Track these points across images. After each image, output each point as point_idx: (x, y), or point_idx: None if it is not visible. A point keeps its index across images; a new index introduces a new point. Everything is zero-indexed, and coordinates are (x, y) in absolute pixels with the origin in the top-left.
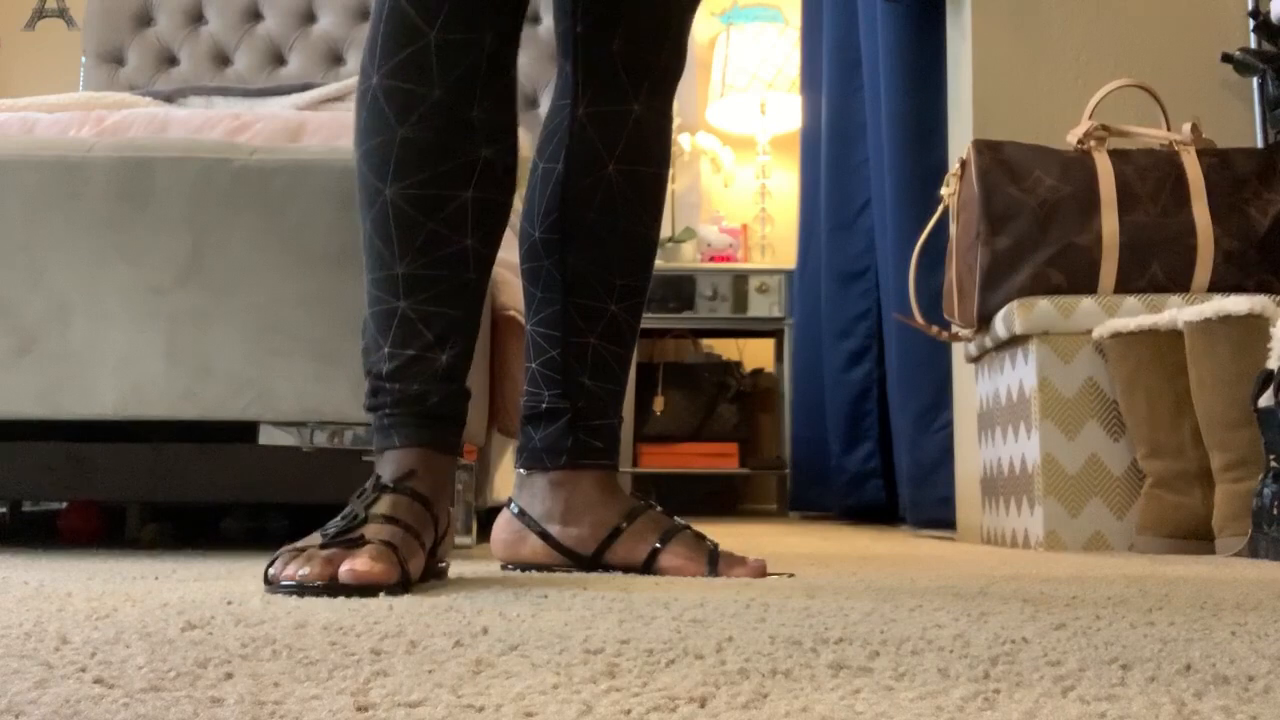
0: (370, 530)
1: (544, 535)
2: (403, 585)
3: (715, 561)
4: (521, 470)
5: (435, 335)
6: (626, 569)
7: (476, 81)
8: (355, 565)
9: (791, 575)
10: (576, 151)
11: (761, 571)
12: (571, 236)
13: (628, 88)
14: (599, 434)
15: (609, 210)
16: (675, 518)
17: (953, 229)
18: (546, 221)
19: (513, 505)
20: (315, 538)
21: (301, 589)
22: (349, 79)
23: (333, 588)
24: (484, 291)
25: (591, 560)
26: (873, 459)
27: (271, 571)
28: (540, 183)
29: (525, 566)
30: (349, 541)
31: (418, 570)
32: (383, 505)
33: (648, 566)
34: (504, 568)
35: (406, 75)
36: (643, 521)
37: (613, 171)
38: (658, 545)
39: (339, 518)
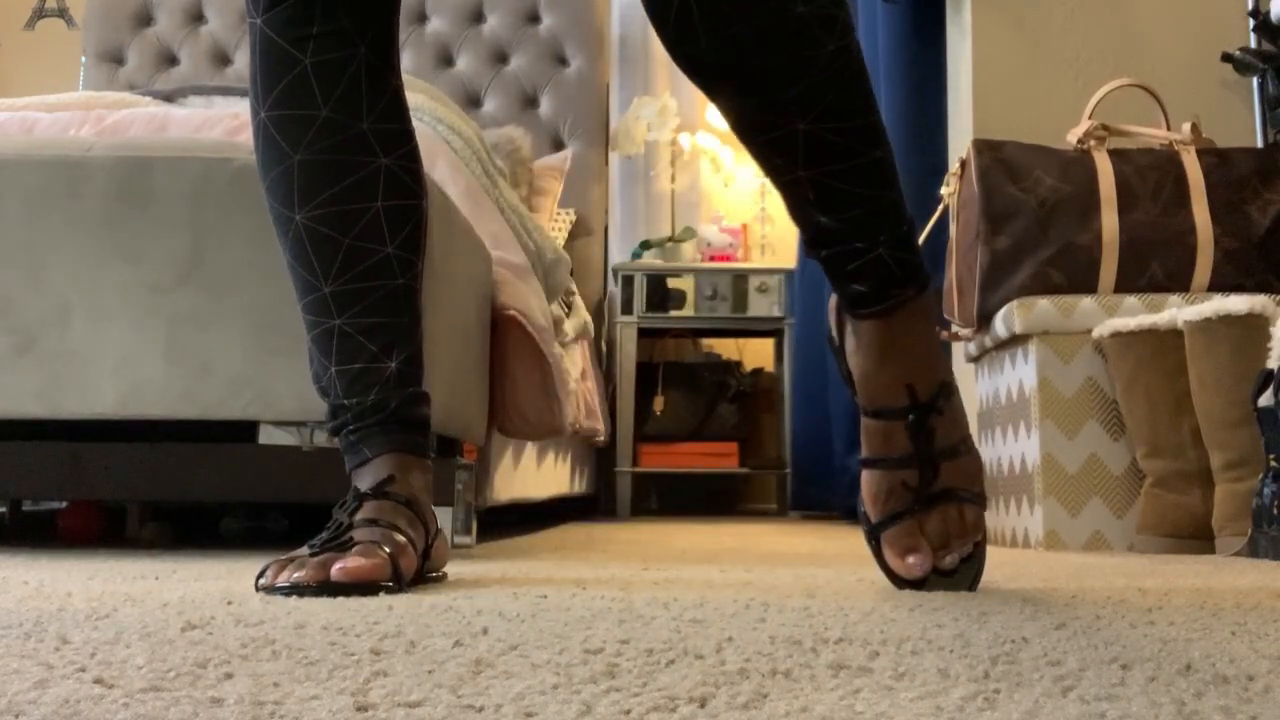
0: (358, 534)
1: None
2: (396, 581)
3: (889, 525)
4: None
5: (379, 346)
6: None
7: (360, 95)
8: (347, 564)
9: (970, 588)
10: None
11: (913, 576)
12: (703, 76)
13: None
14: (860, 276)
15: (715, 23)
16: (936, 430)
17: (953, 229)
18: (683, 67)
19: (838, 314)
20: (303, 549)
21: (296, 590)
22: None
23: (327, 588)
24: (418, 295)
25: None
26: None
27: (263, 581)
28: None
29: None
30: (338, 545)
31: (410, 568)
32: (367, 510)
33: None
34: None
35: (291, 102)
36: (884, 425)
37: None
38: (867, 460)
39: (324, 530)
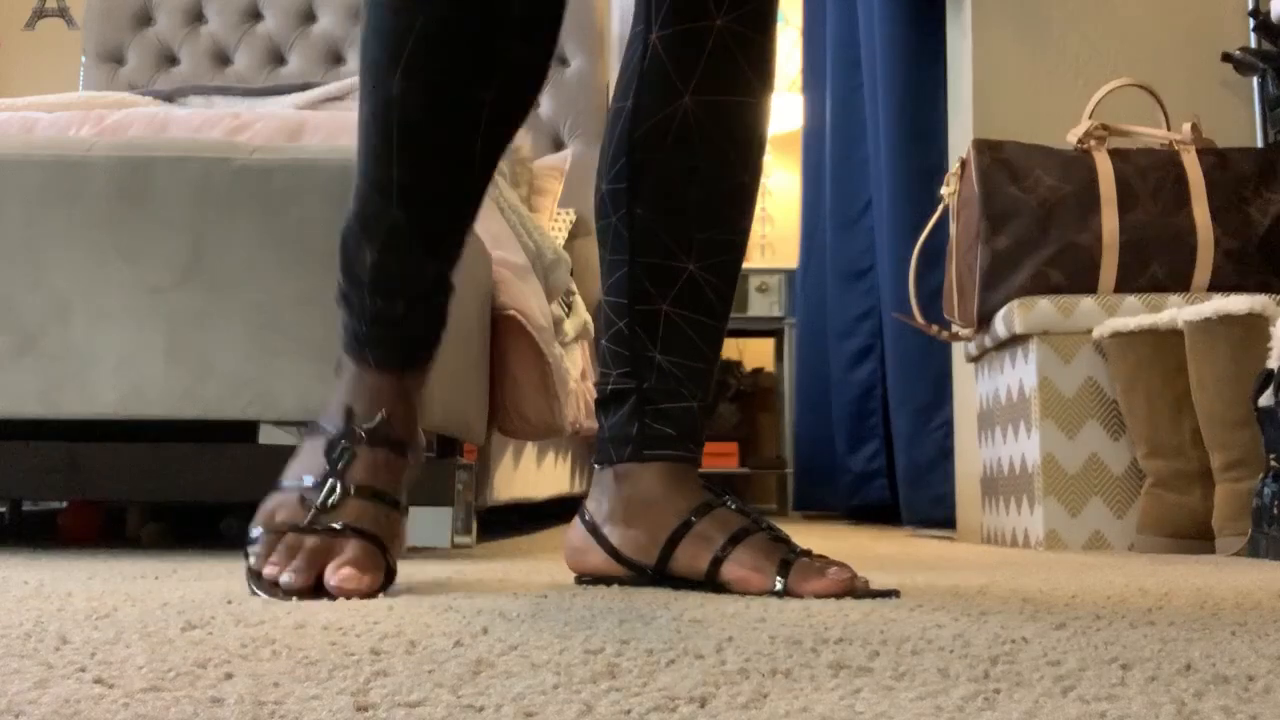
0: (352, 512)
1: (604, 542)
2: (388, 577)
3: (787, 572)
4: (595, 465)
5: (427, 248)
6: (691, 581)
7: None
8: (342, 577)
9: (895, 594)
10: (647, 81)
11: (845, 588)
12: (639, 183)
13: (709, 0)
14: (670, 419)
15: (684, 149)
16: (753, 514)
17: (953, 228)
18: (614, 169)
19: (583, 508)
20: (295, 508)
21: (288, 593)
22: (349, 78)
23: (317, 591)
24: (482, 196)
25: (656, 571)
26: (878, 458)
27: (252, 562)
28: (610, 126)
29: (595, 579)
30: (331, 530)
31: (400, 547)
32: (361, 470)
33: (710, 578)
34: (577, 580)
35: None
36: (709, 521)
37: (689, 103)
38: (720, 552)
39: (315, 483)
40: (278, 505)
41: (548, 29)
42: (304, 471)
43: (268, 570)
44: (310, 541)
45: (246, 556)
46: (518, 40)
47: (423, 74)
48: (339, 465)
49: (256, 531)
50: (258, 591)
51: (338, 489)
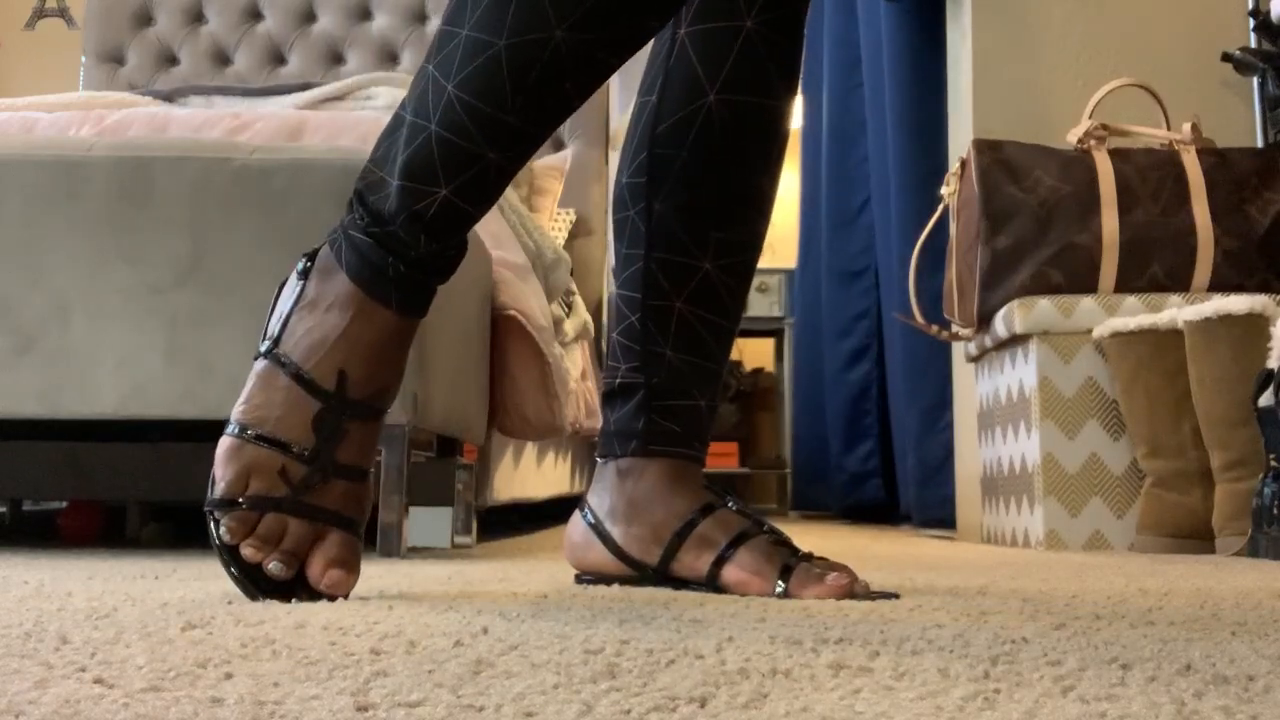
0: (336, 496)
1: (606, 539)
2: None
3: (788, 577)
4: (597, 459)
5: (496, 193)
6: (693, 582)
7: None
8: (331, 581)
9: (896, 596)
10: (673, 78)
11: (845, 592)
12: (659, 179)
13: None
14: (677, 416)
15: (705, 147)
16: (754, 515)
17: (953, 228)
18: (634, 163)
19: (584, 503)
20: (273, 479)
21: (277, 586)
22: (349, 78)
23: (302, 585)
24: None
25: (658, 571)
26: (872, 458)
27: (225, 535)
28: (633, 120)
29: (597, 577)
30: (314, 512)
31: (367, 511)
32: (349, 449)
33: (711, 580)
34: (577, 579)
35: None
36: (710, 523)
37: (713, 101)
38: (722, 554)
39: (301, 457)
40: (251, 467)
41: (677, 7)
42: (277, 423)
43: (247, 552)
44: (294, 526)
45: (214, 522)
46: (664, 18)
47: (590, 33)
48: (329, 444)
49: (224, 493)
50: (236, 573)
51: (326, 466)
